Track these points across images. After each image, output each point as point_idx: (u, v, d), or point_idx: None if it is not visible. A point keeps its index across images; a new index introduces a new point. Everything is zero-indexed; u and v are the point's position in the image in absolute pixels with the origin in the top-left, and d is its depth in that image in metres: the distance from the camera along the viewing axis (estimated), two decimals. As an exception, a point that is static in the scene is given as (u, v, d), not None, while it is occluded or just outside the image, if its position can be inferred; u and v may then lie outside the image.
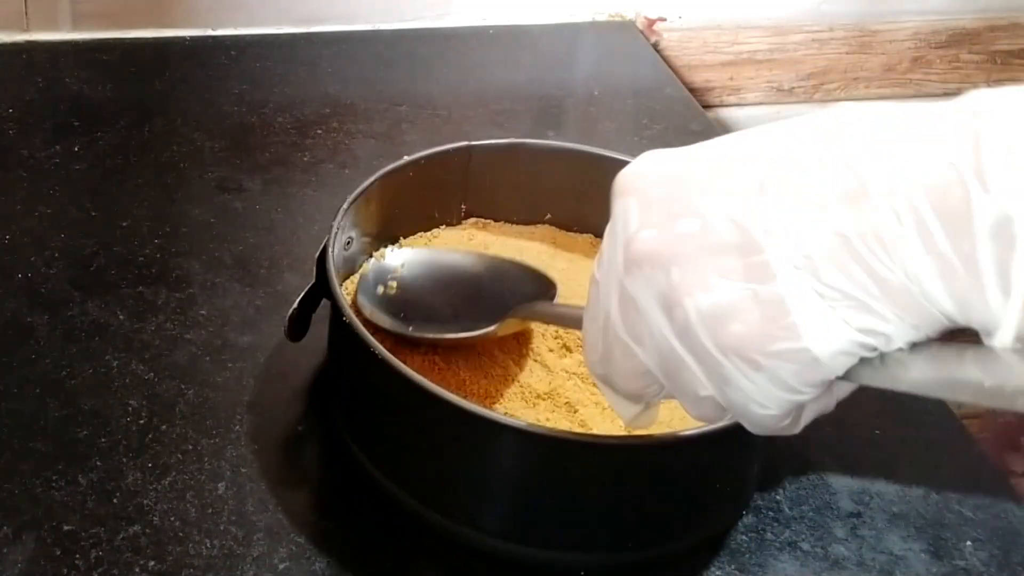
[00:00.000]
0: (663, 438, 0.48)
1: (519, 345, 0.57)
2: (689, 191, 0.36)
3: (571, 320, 0.51)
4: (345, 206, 0.55)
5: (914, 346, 0.34)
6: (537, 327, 0.57)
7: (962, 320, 0.32)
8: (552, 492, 0.49)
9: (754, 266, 0.34)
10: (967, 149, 0.31)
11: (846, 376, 0.35)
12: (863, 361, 0.34)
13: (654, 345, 0.37)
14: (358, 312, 0.55)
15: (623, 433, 0.51)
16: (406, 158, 0.60)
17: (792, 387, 0.35)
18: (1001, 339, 0.31)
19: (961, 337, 0.33)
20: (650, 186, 0.37)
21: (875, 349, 0.34)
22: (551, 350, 0.56)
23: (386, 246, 0.60)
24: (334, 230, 0.54)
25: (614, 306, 0.38)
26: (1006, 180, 0.30)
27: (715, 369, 0.35)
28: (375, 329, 0.55)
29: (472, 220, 0.64)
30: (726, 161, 0.36)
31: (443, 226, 0.63)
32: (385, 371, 0.47)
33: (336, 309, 0.51)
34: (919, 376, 0.34)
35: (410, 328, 0.55)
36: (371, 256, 0.60)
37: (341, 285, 0.55)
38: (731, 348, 0.34)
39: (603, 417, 0.53)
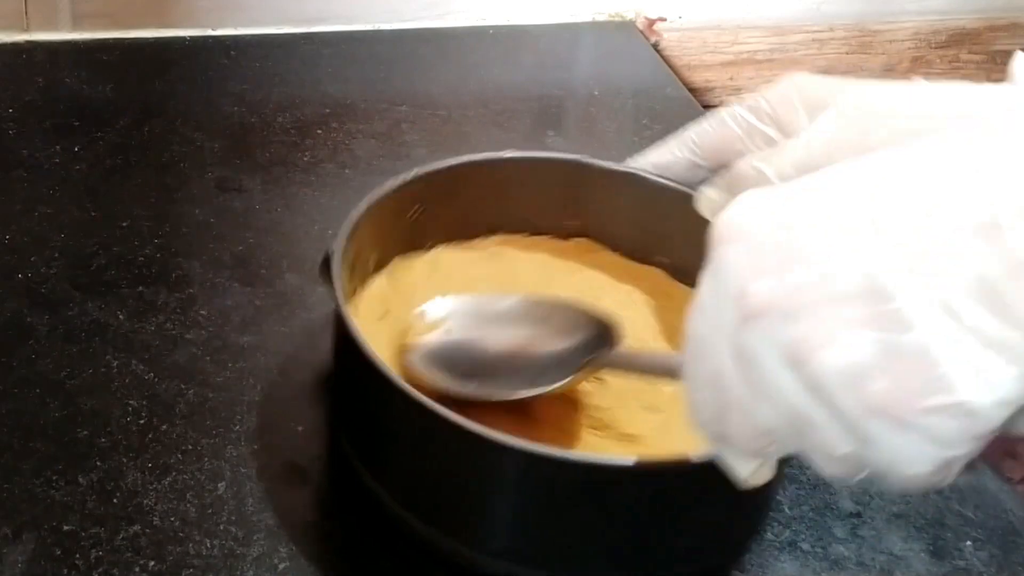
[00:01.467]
0: (671, 463, 0.46)
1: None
2: (801, 235, 0.33)
3: (654, 368, 0.49)
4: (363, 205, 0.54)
5: None
6: None
7: None
8: (552, 514, 0.48)
9: (887, 315, 0.31)
10: None
11: (1007, 426, 0.32)
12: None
13: (780, 403, 0.33)
14: (411, 377, 0.51)
15: (630, 457, 0.50)
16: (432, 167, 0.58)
17: (947, 443, 0.31)
18: None
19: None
20: (757, 231, 0.34)
21: None
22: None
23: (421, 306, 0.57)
24: (341, 237, 0.52)
25: (727, 363, 0.34)
26: None
27: (856, 430, 0.32)
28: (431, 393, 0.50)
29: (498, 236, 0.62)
30: (838, 198, 0.33)
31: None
32: (385, 386, 0.46)
33: (339, 320, 0.50)
34: None
35: (473, 386, 0.51)
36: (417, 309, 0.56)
37: (347, 296, 0.54)
38: (875, 408, 0.31)
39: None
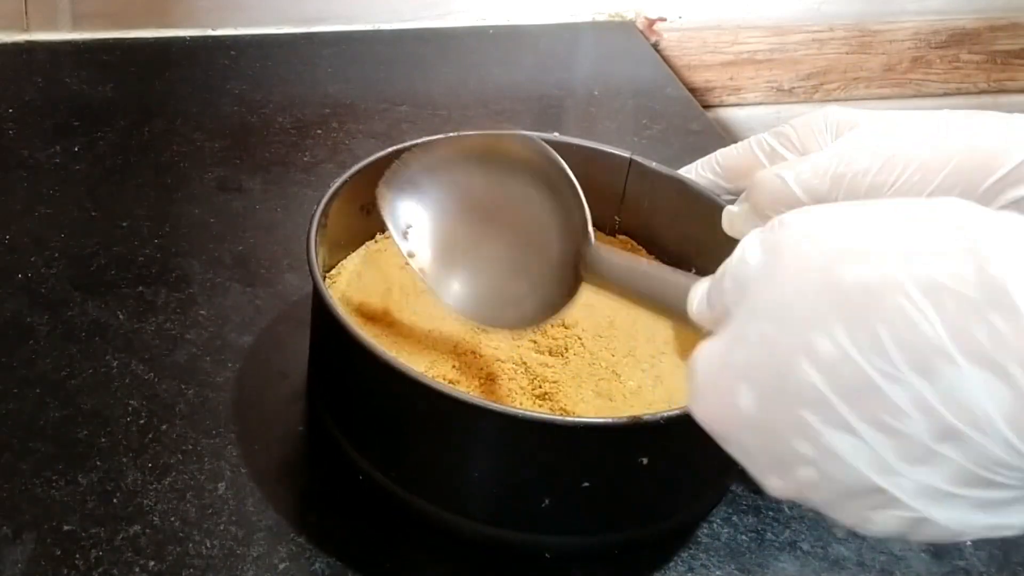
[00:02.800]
0: (641, 420, 0.47)
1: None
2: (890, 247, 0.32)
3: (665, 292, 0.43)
4: (337, 183, 0.55)
5: None
6: None
7: None
8: (533, 476, 0.49)
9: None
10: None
11: None
12: None
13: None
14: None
15: (602, 415, 0.51)
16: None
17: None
18: None
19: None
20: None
21: None
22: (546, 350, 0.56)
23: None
24: (318, 210, 0.53)
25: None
26: None
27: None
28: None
29: None
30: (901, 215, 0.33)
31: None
32: (362, 354, 0.47)
33: (317, 295, 0.51)
34: None
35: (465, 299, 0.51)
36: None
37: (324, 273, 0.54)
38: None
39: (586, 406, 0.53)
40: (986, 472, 0.31)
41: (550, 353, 0.55)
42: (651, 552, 0.52)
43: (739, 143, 0.56)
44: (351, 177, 0.56)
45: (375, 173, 0.55)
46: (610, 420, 0.47)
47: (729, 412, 0.34)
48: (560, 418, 0.49)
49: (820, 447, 0.32)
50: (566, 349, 0.55)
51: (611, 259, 0.47)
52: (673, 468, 0.50)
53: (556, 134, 0.60)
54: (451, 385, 0.52)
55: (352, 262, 0.60)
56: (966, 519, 0.32)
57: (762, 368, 0.33)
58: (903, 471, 0.32)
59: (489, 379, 0.54)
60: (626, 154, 0.61)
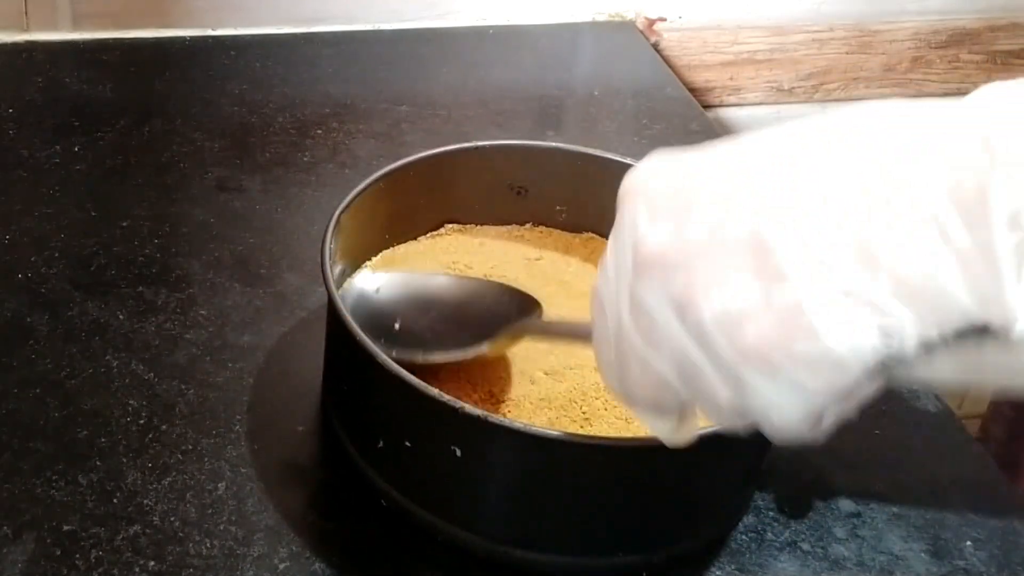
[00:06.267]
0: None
1: (502, 368, 0.55)
2: (699, 194, 0.35)
3: (569, 334, 0.50)
4: (344, 204, 0.55)
5: (932, 344, 0.33)
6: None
7: (981, 314, 0.32)
8: (547, 494, 0.49)
9: (768, 266, 0.33)
10: (978, 145, 0.31)
11: (887, 379, 0.34)
12: (883, 359, 0.34)
13: (669, 351, 0.36)
14: None
15: (623, 434, 0.51)
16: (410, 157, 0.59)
17: (812, 391, 0.34)
18: (1021, 330, 0.31)
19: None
20: (657, 186, 0.37)
21: (895, 349, 0.33)
22: (546, 373, 0.56)
23: (356, 270, 0.59)
24: (331, 225, 0.53)
25: (625, 314, 0.37)
26: (1018, 171, 0.30)
27: (732, 374, 0.34)
28: None
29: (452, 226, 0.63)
30: (736, 164, 0.36)
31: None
32: (379, 371, 0.47)
33: (333, 309, 0.51)
34: (941, 371, 0.33)
35: (393, 352, 0.51)
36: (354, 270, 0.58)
37: (339, 286, 0.55)
38: (747, 351, 0.34)
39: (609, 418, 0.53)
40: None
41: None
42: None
43: None
44: (365, 188, 0.57)
45: (394, 180, 0.58)
46: (626, 439, 0.48)
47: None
48: (570, 435, 0.49)
49: None
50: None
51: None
52: (694, 488, 0.50)
53: (557, 143, 0.61)
54: (463, 400, 0.52)
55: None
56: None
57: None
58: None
59: (501, 393, 0.54)
60: (629, 161, 0.61)
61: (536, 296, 0.55)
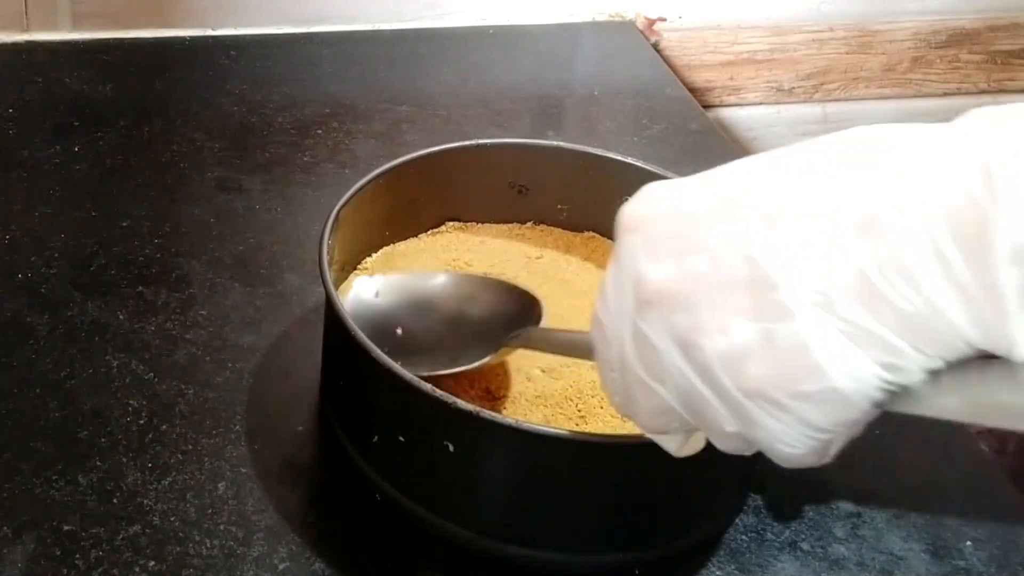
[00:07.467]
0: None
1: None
2: (697, 226, 0.35)
3: (572, 348, 0.50)
4: (341, 202, 0.55)
5: (937, 374, 0.33)
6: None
7: (985, 346, 0.31)
8: (540, 491, 0.49)
9: (769, 304, 0.33)
10: (977, 175, 0.31)
11: (893, 408, 0.34)
12: (889, 393, 0.33)
13: (675, 384, 0.36)
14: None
15: (619, 431, 0.51)
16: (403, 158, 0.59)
17: (819, 427, 0.34)
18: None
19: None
20: (656, 222, 0.36)
21: (899, 382, 0.33)
22: (543, 370, 0.56)
23: (357, 267, 0.59)
24: (330, 221, 0.53)
25: (629, 347, 0.37)
26: (1020, 205, 0.30)
27: (739, 410, 0.34)
28: None
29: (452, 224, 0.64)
30: (732, 193, 0.35)
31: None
32: (372, 365, 0.47)
33: (330, 307, 0.51)
34: (946, 403, 0.33)
35: (398, 363, 0.51)
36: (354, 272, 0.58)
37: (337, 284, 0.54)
38: (752, 391, 0.34)
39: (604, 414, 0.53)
40: None
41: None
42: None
43: None
44: (366, 185, 0.57)
45: (395, 177, 0.58)
46: (625, 437, 0.47)
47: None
48: (561, 432, 0.49)
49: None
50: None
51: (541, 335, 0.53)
52: (689, 487, 0.50)
53: (559, 142, 0.61)
54: (460, 396, 0.52)
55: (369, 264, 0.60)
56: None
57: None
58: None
59: (498, 390, 0.54)
60: (631, 160, 0.61)
61: (536, 295, 0.55)
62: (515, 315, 0.54)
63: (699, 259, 0.35)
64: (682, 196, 0.37)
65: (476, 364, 0.52)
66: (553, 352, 0.53)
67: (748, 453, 0.37)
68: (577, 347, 0.49)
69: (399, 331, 0.54)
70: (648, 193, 0.38)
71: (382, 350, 0.48)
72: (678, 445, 0.40)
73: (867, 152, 0.34)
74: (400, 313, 0.55)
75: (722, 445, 0.37)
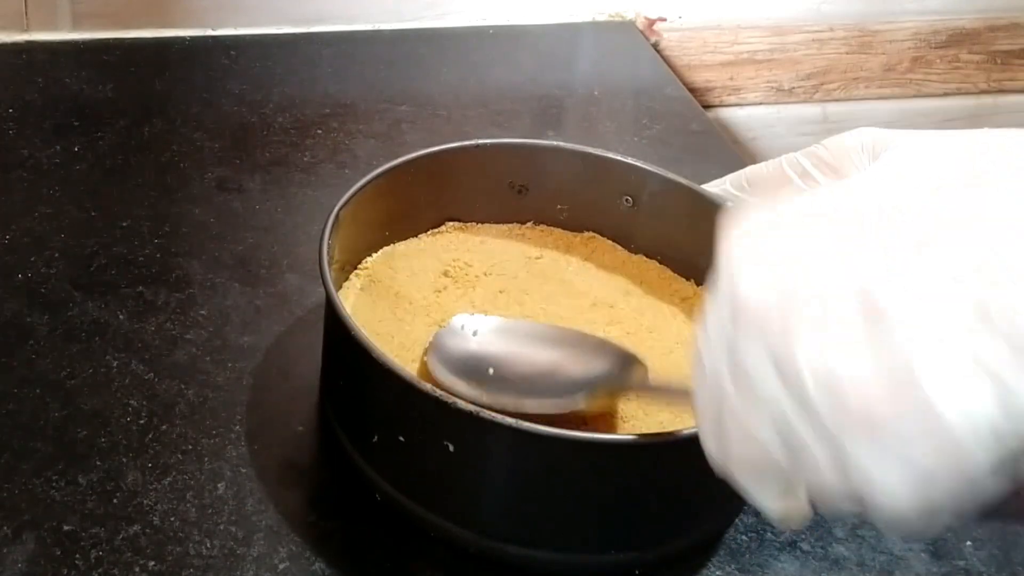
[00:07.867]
0: (658, 438, 0.47)
1: None
2: (802, 245, 0.34)
3: (672, 397, 0.49)
4: (344, 200, 0.55)
5: None
6: None
7: None
8: (540, 491, 0.49)
9: (877, 330, 0.31)
10: None
11: (996, 471, 0.30)
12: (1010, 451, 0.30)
13: (768, 413, 0.33)
14: (430, 377, 0.52)
15: (619, 433, 0.51)
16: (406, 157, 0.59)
17: (922, 468, 0.30)
18: None
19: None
20: (758, 242, 0.35)
21: (1016, 426, 0.30)
22: None
23: (352, 271, 0.59)
24: (329, 221, 0.53)
25: (724, 370, 0.35)
26: None
27: (833, 442, 0.31)
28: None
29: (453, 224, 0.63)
30: (838, 214, 0.34)
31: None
32: (371, 363, 0.47)
33: (330, 307, 0.51)
34: None
35: (484, 396, 0.50)
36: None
37: (336, 281, 0.54)
38: (850, 415, 0.31)
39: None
40: None
41: None
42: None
43: (769, 161, 0.54)
44: (366, 184, 0.57)
45: (395, 177, 0.58)
46: (628, 437, 0.47)
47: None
48: (560, 432, 0.48)
49: None
50: None
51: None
52: (688, 487, 0.50)
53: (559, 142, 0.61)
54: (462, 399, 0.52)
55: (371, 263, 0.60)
56: None
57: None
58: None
59: None
60: (631, 160, 0.61)
61: (536, 294, 0.55)
62: (615, 373, 0.52)
63: (803, 279, 0.33)
64: (784, 215, 0.35)
65: (569, 405, 0.51)
66: (655, 399, 0.52)
67: (848, 510, 0.33)
68: (678, 395, 0.48)
69: (491, 371, 0.53)
70: (747, 213, 0.36)
71: (471, 385, 0.48)
72: (774, 500, 0.36)
73: (987, 165, 0.32)
74: (496, 354, 0.53)
75: (820, 498, 0.34)
